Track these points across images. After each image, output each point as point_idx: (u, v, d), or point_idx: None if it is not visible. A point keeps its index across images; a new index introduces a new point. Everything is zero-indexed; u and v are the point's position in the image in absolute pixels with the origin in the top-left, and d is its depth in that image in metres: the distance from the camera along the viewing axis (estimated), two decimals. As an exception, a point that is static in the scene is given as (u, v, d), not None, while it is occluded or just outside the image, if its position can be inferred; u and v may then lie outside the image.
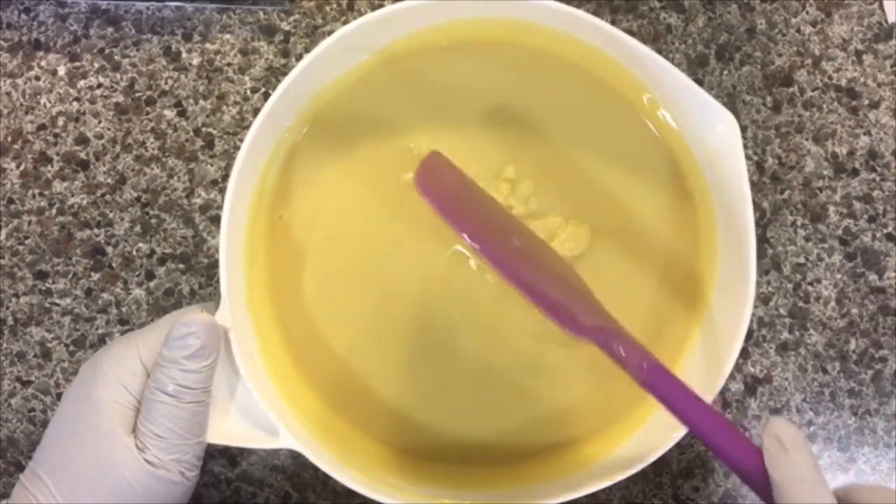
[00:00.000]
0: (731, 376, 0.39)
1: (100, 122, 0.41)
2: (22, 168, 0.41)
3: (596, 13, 0.41)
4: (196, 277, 0.40)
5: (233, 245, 0.34)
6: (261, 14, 0.41)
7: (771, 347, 0.40)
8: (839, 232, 0.40)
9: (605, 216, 0.36)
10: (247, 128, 0.41)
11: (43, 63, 0.41)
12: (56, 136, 0.41)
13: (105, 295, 0.40)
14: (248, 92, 0.41)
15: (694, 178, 0.36)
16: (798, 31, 0.41)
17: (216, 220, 0.40)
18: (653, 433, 0.34)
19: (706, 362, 0.35)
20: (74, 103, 0.41)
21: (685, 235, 0.36)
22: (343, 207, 0.37)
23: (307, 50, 0.41)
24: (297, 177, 0.36)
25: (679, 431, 0.32)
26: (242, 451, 0.40)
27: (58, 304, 0.40)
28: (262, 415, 0.32)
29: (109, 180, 0.41)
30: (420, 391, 0.36)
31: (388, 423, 0.36)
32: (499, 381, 0.36)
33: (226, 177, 0.40)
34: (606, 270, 0.36)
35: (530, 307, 0.36)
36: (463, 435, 0.36)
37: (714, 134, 0.33)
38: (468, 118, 0.37)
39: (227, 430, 0.33)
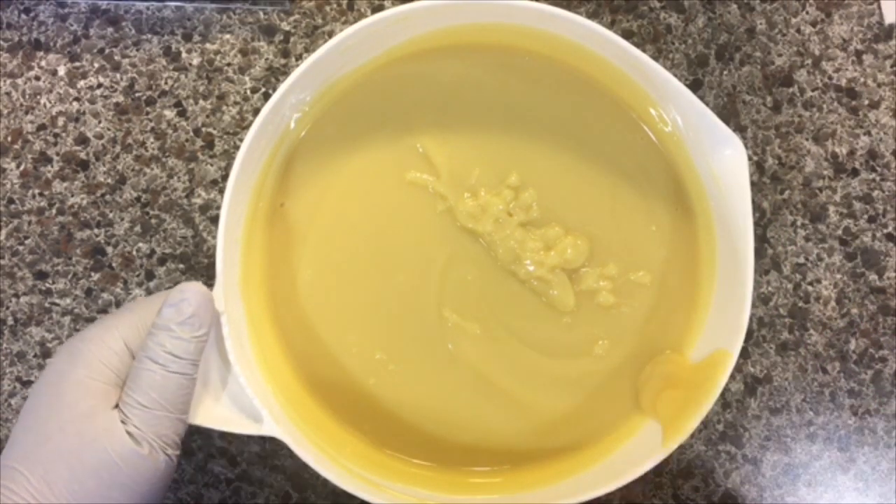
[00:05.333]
0: (732, 376, 0.39)
1: (100, 122, 0.41)
2: (22, 168, 0.41)
3: (595, 13, 0.41)
4: (196, 277, 0.40)
5: (231, 229, 0.34)
6: (261, 14, 0.41)
7: (771, 347, 0.40)
8: (839, 232, 0.40)
9: (606, 228, 0.36)
10: (247, 128, 0.41)
11: (43, 63, 0.41)
12: (56, 136, 0.41)
13: (105, 295, 0.40)
14: (248, 92, 0.41)
15: (697, 196, 0.36)
16: (798, 31, 0.41)
17: (216, 220, 0.40)
18: (639, 448, 0.35)
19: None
20: (74, 103, 0.41)
21: (685, 250, 0.36)
22: (344, 202, 0.37)
23: (307, 50, 0.41)
24: (300, 170, 0.36)
25: (662, 454, 0.33)
26: (242, 451, 0.40)
27: (58, 304, 0.40)
28: (249, 402, 0.33)
29: (109, 180, 0.41)
30: (410, 391, 0.36)
31: (376, 422, 0.36)
32: (490, 387, 0.36)
33: (226, 177, 0.40)
34: (604, 282, 0.36)
35: (527, 315, 0.36)
36: (452, 438, 0.36)
37: (721, 157, 0.33)
38: (475, 122, 0.37)
39: (212, 412, 0.33)
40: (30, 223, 0.41)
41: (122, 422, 0.31)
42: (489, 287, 0.36)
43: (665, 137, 0.36)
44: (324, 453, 0.34)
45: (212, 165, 0.41)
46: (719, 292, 0.35)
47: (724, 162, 0.33)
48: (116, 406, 0.31)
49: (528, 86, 0.37)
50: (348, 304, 0.36)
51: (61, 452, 0.30)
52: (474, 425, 0.36)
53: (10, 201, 0.41)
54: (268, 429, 0.32)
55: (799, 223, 0.40)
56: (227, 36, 0.41)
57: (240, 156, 0.33)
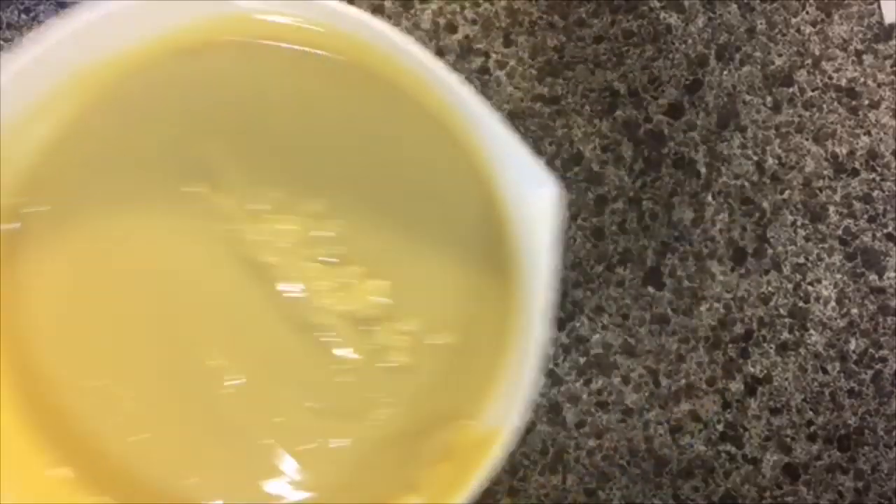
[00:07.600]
0: (732, 376, 0.39)
1: (100, 122, 0.41)
2: (22, 168, 0.41)
3: (595, 13, 0.41)
4: None
5: None
6: (261, 14, 0.41)
7: (771, 347, 0.40)
8: (839, 232, 0.40)
9: (411, 274, 0.31)
10: None
11: (43, 63, 0.41)
12: (56, 136, 0.41)
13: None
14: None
15: (513, 244, 0.30)
16: (798, 31, 0.41)
17: None
18: None
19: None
20: (74, 103, 0.41)
21: (494, 308, 0.30)
22: (94, 250, 0.31)
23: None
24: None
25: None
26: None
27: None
28: None
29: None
30: (154, 445, 0.31)
31: (116, 476, 0.31)
32: (249, 446, 0.31)
33: None
34: (400, 337, 0.31)
35: (307, 367, 0.31)
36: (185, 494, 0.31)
37: (533, 198, 0.27)
38: (269, 137, 0.31)
39: None
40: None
41: None
42: (266, 332, 0.31)
43: (484, 171, 0.29)
44: None
45: None
46: (515, 359, 0.29)
47: (534, 203, 0.27)
48: None
49: (334, 95, 0.30)
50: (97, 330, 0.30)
51: None
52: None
53: (10, 201, 0.41)
54: None
55: (799, 223, 0.40)
56: (227, 36, 0.41)
57: None
